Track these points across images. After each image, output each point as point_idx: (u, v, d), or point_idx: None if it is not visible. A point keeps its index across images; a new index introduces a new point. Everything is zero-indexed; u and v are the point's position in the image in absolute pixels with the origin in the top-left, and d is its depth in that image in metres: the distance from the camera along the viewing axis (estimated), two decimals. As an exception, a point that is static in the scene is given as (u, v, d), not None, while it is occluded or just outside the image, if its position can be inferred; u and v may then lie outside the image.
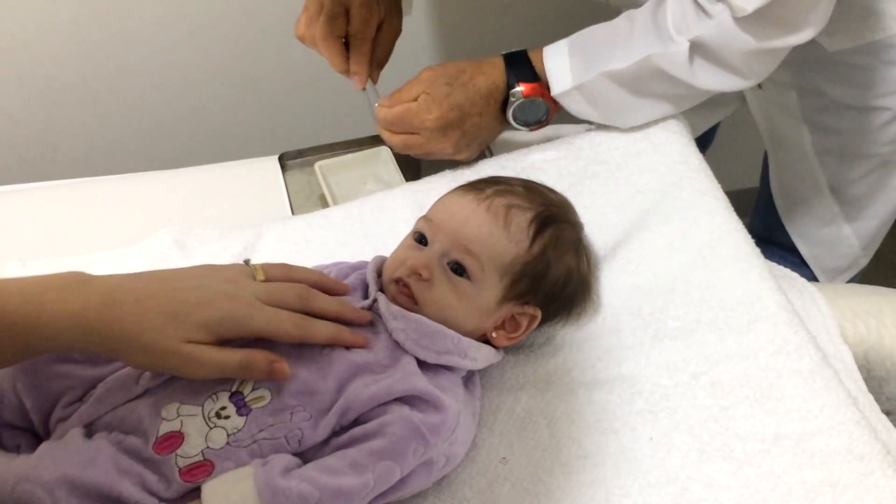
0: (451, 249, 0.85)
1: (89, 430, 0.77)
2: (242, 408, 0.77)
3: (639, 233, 0.98)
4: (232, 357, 0.74)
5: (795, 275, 1.05)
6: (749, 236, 0.97)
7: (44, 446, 0.75)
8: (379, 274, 0.90)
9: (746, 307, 0.89)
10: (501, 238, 0.85)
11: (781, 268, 1.04)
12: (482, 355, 0.86)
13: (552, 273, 0.87)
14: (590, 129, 1.12)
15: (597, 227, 0.98)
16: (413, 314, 0.84)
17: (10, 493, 0.71)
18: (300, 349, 0.79)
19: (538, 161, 1.08)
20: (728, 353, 0.87)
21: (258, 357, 0.75)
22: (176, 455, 0.74)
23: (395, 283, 0.85)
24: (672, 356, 0.87)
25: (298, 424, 0.76)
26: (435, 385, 0.80)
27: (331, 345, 0.80)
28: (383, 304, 0.84)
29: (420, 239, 0.88)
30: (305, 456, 0.76)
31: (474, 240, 0.85)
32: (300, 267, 0.85)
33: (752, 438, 0.81)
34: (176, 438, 0.75)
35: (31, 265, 1.02)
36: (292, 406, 0.77)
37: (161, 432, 0.76)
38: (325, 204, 1.13)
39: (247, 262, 0.83)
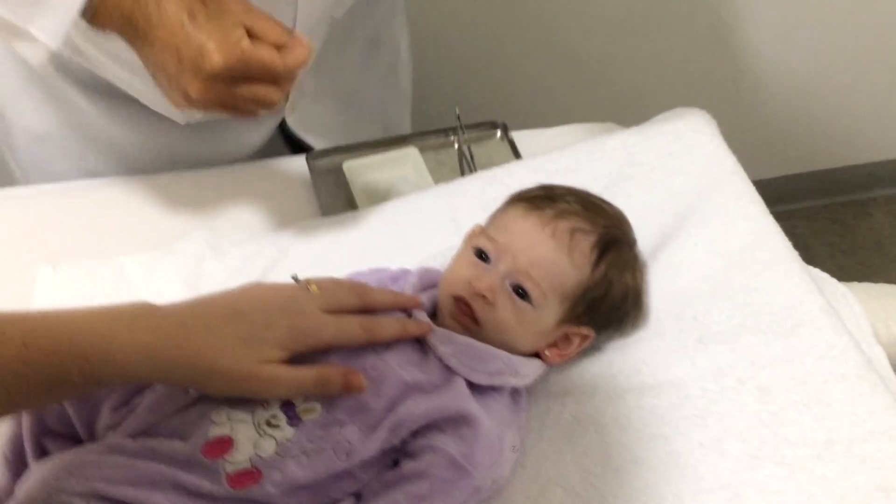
0: (514, 272, 0.85)
1: (136, 438, 0.77)
2: (294, 418, 0.77)
3: (677, 236, 0.98)
4: (308, 374, 0.74)
5: (826, 275, 1.06)
6: (786, 239, 0.98)
7: (80, 452, 0.75)
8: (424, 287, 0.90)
9: (789, 311, 0.90)
10: (565, 265, 0.85)
11: (813, 268, 1.05)
12: (531, 370, 0.86)
13: (611, 295, 0.88)
14: (620, 131, 1.13)
15: (635, 229, 0.98)
16: (460, 337, 0.84)
17: (47, 500, 0.72)
18: (352, 364, 0.79)
19: (571, 164, 1.08)
20: (773, 357, 0.87)
21: (332, 372, 0.75)
22: (224, 461, 0.75)
23: (456, 302, 0.85)
24: (718, 361, 0.88)
25: (347, 438, 0.76)
26: (483, 406, 0.81)
27: (383, 350, 0.81)
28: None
29: (480, 255, 0.87)
30: (354, 471, 0.77)
31: (539, 266, 0.85)
32: (347, 279, 0.87)
33: (803, 444, 0.81)
34: (226, 443, 0.75)
35: (61, 270, 1.01)
36: (342, 420, 0.77)
37: (211, 435, 0.76)
38: (353, 205, 1.13)
39: (295, 278, 0.84)
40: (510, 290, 0.85)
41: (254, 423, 0.76)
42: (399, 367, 0.81)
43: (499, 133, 1.25)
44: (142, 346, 0.68)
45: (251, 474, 0.74)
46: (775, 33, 1.90)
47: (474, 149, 1.22)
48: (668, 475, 0.82)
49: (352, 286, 0.83)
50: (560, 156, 1.10)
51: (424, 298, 0.89)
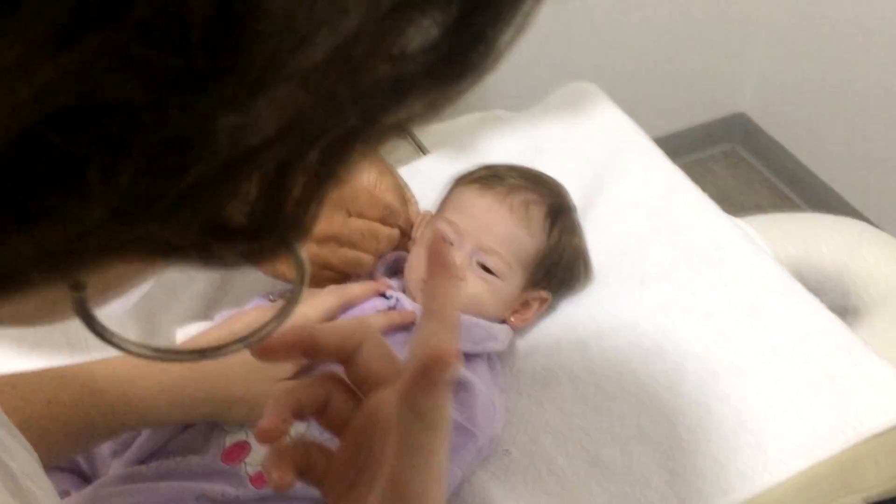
0: (479, 250, 0.90)
1: (148, 461, 0.78)
2: None
3: (600, 195, 1.07)
4: None
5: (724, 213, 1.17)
6: (695, 184, 1.08)
7: (97, 488, 0.76)
8: (392, 272, 0.94)
9: (714, 244, 1.00)
10: (524, 235, 0.92)
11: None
12: (505, 335, 0.92)
13: (565, 258, 0.95)
14: (517, 114, 1.21)
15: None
16: None
17: None
18: None
19: (485, 147, 1.15)
20: (710, 285, 0.97)
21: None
22: (245, 463, 0.77)
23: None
24: (662, 297, 0.97)
25: None
26: (473, 372, 0.86)
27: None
28: (408, 305, 0.89)
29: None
30: None
31: (503, 241, 0.91)
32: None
33: (753, 353, 0.91)
34: (243, 447, 0.78)
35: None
36: None
37: (228, 443, 0.78)
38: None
39: (271, 297, 0.88)
40: (477, 267, 0.90)
41: None
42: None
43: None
44: (160, 388, 0.70)
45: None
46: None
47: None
48: (641, 404, 0.89)
49: (328, 290, 0.87)
50: (472, 141, 1.16)
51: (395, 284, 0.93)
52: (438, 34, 0.23)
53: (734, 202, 2.32)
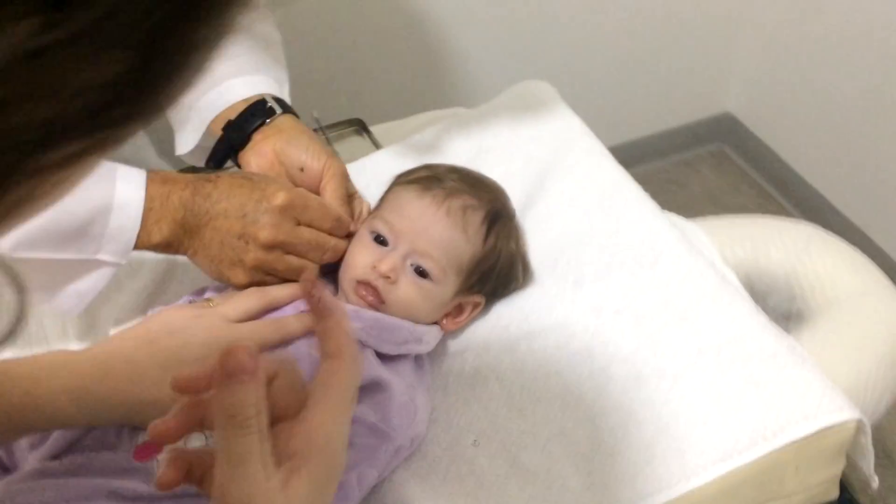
0: (414, 253, 0.90)
1: (61, 456, 0.78)
2: None
3: (540, 194, 1.07)
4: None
5: (674, 214, 1.17)
6: (638, 185, 1.08)
7: (8, 482, 0.76)
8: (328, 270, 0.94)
9: (650, 245, 1.00)
10: (461, 241, 0.91)
11: (665, 211, 1.15)
12: (432, 337, 0.92)
13: (500, 264, 0.95)
14: (469, 112, 1.20)
15: (501, 196, 1.06)
16: (367, 312, 0.89)
17: None
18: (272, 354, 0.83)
19: (433, 143, 1.15)
20: (642, 286, 0.97)
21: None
22: (157, 461, 0.77)
23: (360, 284, 0.90)
24: (594, 298, 0.96)
25: None
26: (392, 371, 0.86)
27: (293, 342, 0.85)
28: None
29: (377, 238, 0.91)
30: None
31: (438, 245, 0.90)
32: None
33: (679, 356, 0.90)
34: (155, 444, 0.78)
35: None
36: None
37: (140, 440, 0.78)
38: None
39: (191, 300, 0.88)
40: (411, 270, 0.90)
41: None
42: (311, 347, 0.85)
43: (358, 129, 1.31)
44: (64, 388, 0.70)
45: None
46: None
47: (337, 147, 1.27)
48: (567, 406, 0.89)
49: (250, 292, 0.87)
50: (420, 139, 1.16)
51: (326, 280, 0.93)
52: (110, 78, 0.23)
53: (720, 203, 2.31)
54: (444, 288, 0.92)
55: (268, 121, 0.99)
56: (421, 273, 0.90)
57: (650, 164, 2.34)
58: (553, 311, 0.96)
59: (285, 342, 0.85)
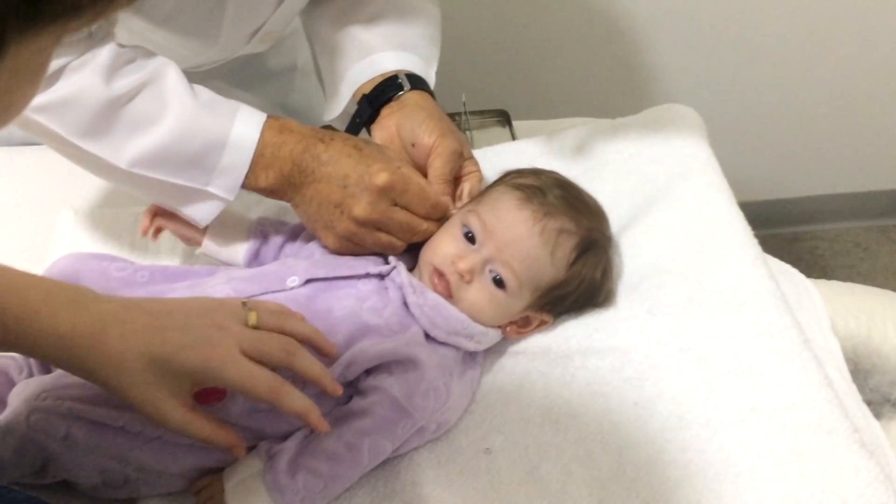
0: (497, 261, 0.90)
1: None
2: None
3: (643, 218, 1.04)
4: (201, 430, 0.75)
5: (795, 270, 1.10)
6: (749, 228, 1.03)
7: (57, 377, 0.82)
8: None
9: (737, 290, 0.95)
10: (546, 262, 0.91)
11: (781, 262, 1.09)
12: (487, 339, 0.93)
13: (579, 291, 0.94)
14: (604, 122, 1.19)
15: (606, 210, 1.04)
16: (432, 294, 0.90)
17: (25, 422, 0.79)
18: (310, 308, 0.86)
19: (556, 148, 1.15)
20: (716, 331, 0.92)
21: (222, 438, 0.77)
22: None
23: (436, 271, 0.91)
24: (664, 331, 0.93)
25: None
26: (435, 354, 0.87)
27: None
28: (404, 275, 0.91)
29: (468, 234, 0.92)
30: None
31: (523, 261, 0.90)
32: (297, 318, 0.83)
33: (730, 409, 0.86)
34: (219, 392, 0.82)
35: (82, 216, 1.11)
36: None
37: None
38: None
39: (244, 303, 0.81)
40: (489, 275, 0.91)
41: None
42: (363, 309, 0.88)
43: (502, 121, 1.33)
44: (58, 336, 0.70)
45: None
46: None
47: (477, 135, 1.30)
48: (601, 429, 0.87)
49: (284, 343, 0.79)
50: (548, 140, 1.16)
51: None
52: None
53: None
54: (516, 301, 0.92)
55: (396, 95, 1.02)
56: (497, 282, 0.90)
57: (842, 224, 2.21)
58: (618, 334, 0.94)
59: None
